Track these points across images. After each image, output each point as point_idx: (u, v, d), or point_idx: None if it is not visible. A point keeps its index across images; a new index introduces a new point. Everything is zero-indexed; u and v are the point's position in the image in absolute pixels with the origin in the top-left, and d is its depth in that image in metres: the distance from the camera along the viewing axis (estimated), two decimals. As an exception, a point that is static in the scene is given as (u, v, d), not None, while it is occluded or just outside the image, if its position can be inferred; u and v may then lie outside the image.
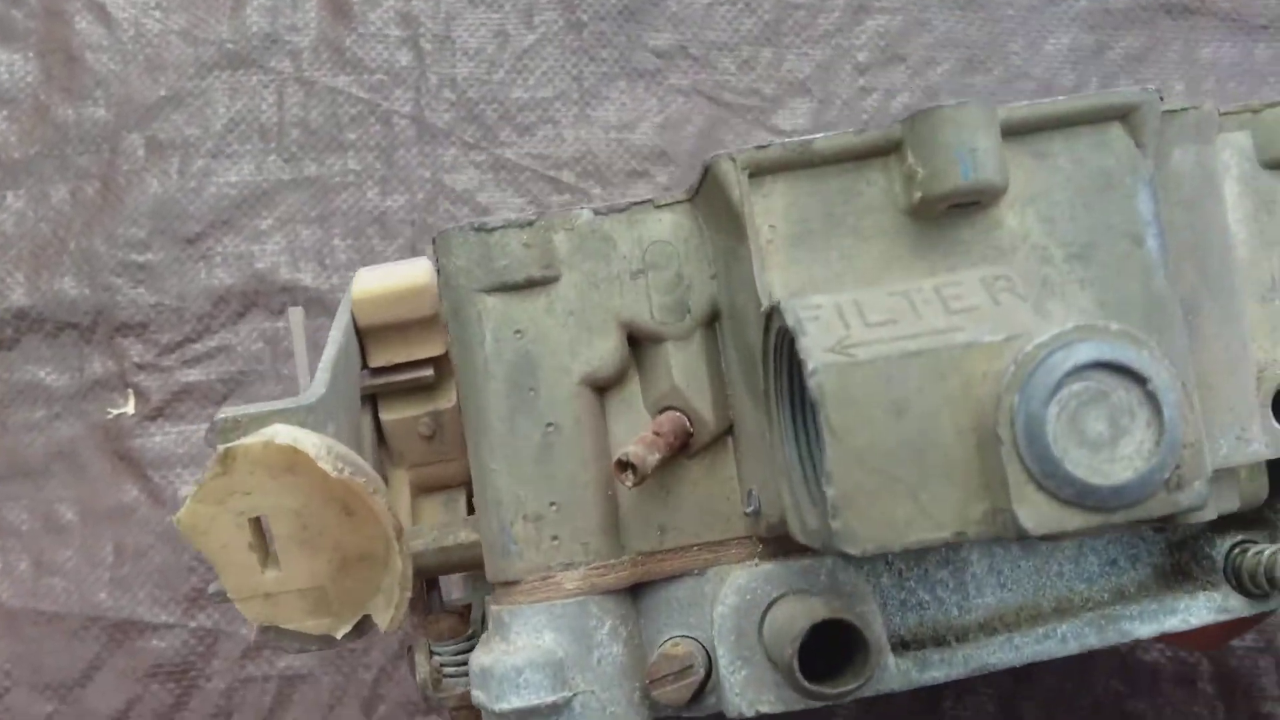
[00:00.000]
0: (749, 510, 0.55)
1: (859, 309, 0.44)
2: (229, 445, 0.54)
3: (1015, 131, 0.49)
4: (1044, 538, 0.41)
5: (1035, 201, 0.48)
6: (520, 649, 0.54)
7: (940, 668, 0.56)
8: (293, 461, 0.54)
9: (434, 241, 0.58)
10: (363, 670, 0.96)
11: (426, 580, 0.68)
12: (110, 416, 1.02)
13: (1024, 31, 1.11)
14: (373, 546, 0.56)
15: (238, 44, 1.11)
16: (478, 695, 0.55)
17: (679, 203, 0.57)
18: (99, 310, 1.04)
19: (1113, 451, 0.40)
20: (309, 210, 1.07)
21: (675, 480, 0.57)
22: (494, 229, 0.56)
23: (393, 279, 0.65)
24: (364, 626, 0.58)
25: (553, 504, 0.55)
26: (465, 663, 0.61)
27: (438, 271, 0.58)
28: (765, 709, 0.54)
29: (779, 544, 0.55)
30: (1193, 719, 0.93)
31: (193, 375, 1.03)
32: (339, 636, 0.58)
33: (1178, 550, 0.61)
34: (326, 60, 1.11)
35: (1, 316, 1.04)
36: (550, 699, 0.54)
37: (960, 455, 0.42)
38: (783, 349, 0.47)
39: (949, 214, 0.49)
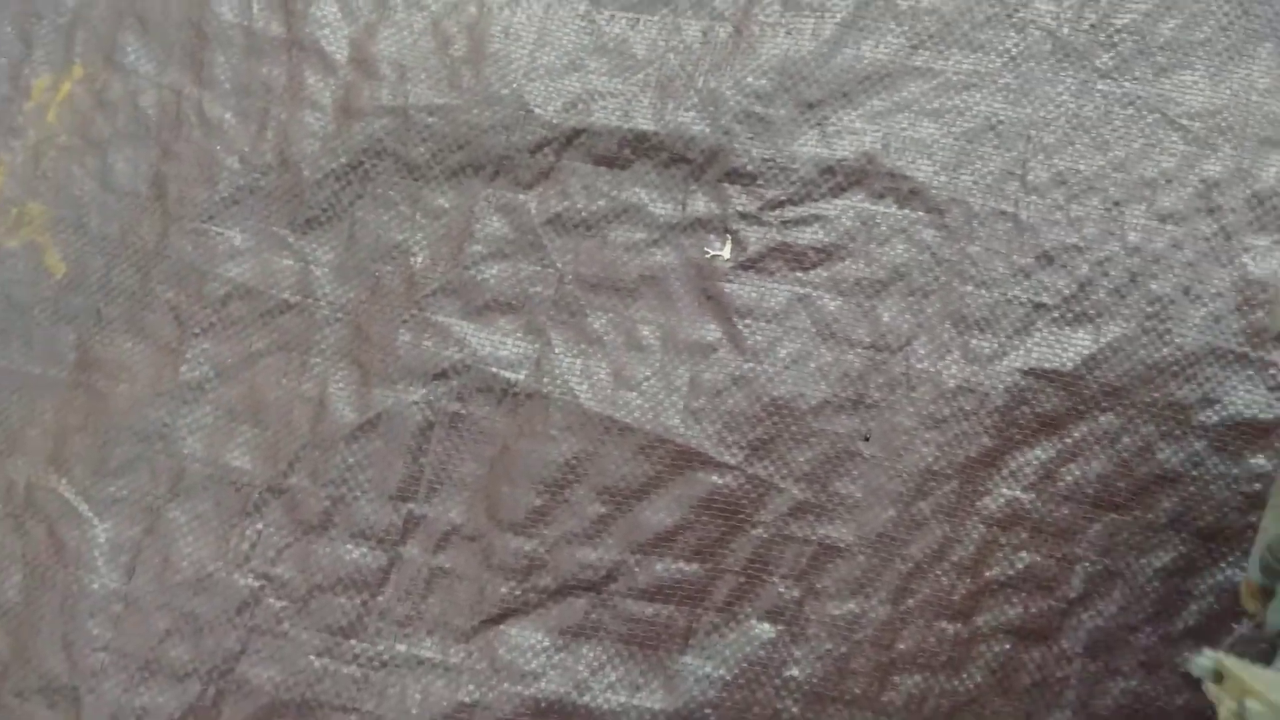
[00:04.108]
0: None
1: None
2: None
3: None
4: None
5: None
6: None
7: None
8: None
9: None
10: (899, 561, 1.00)
11: None
12: (707, 256, 1.06)
13: None
14: None
15: (888, -82, 1.10)
16: None
17: None
18: (714, 152, 1.08)
19: None
20: (928, 103, 1.07)
21: None
22: None
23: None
24: None
25: None
26: None
27: None
28: None
29: None
30: None
31: (789, 235, 1.06)
32: None
33: None
34: (973, -47, 1.09)
35: (624, 136, 1.09)
36: None
37: None
38: None
39: None
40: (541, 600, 1.01)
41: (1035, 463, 0.99)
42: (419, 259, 1.10)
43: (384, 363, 1.08)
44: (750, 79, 1.08)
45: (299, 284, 1.11)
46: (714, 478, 1.02)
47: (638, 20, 1.11)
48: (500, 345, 1.07)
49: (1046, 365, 1.01)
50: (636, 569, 1.01)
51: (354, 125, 1.12)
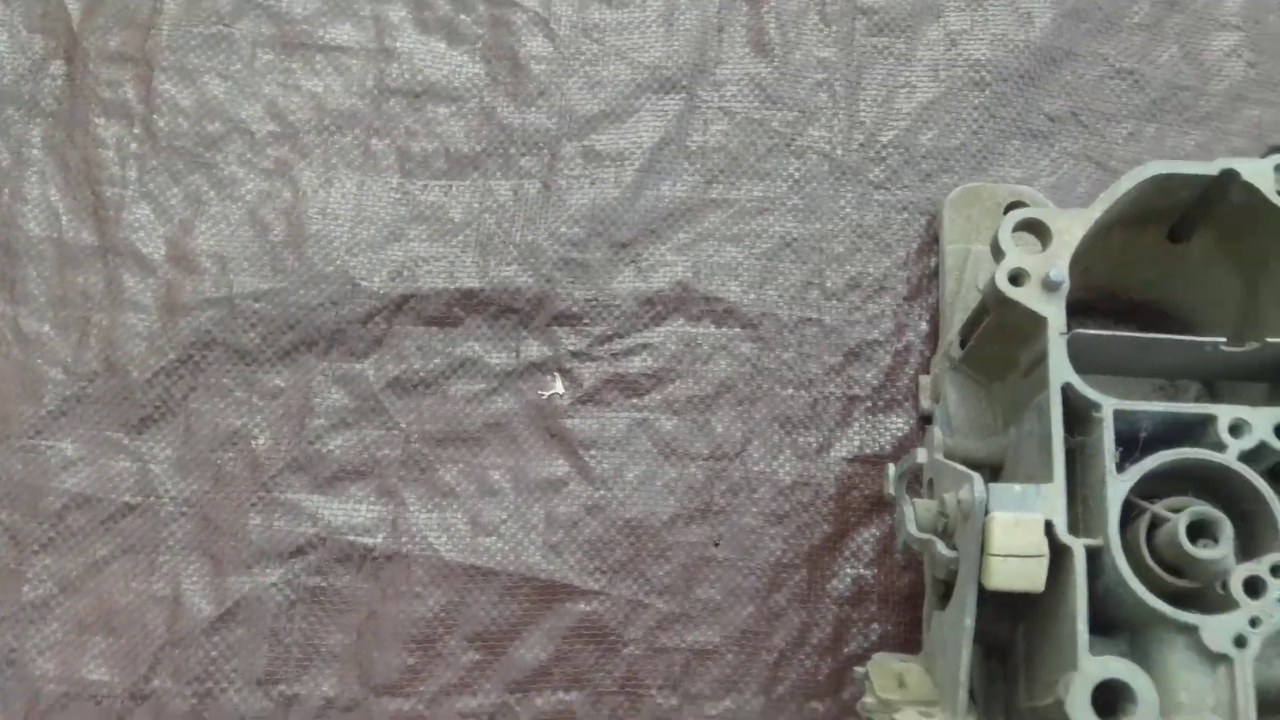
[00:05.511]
0: None
1: None
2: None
3: None
4: None
5: None
6: None
7: None
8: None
9: None
10: (765, 653, 1.04)
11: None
12: (543, 397, 1.11)
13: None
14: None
15: (669, 70, 1.21)
16: None
17: None
18: (540, 299, 1.13)
19: None
20: (727, 230, 1.16)
21: None
22: None
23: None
24: None
25: None
26: None
27: None
28: None
29: None
30: None
31: (620, 366, 1.12)
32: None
33: None
34: (748, 93, 1.20)
35: (452, 295, 1.13)
36: None
37: None
38: None
39: None
40: (428, 757, 1.01)
41: (872, 540, 1.06)
42: (261, 441, 1.10)
43: (236, 549, 1.07)
44: (564, 228, 1.15)
45: (138, 484, 1.10)
46: (581, 605, 1.05)
47: (450, 186, 1.17)
48: (354, 513, 1.08)
49: (868, 451, 1.09)
50: (518, 708, 1.02)
51: (179, 321, 1.13)
